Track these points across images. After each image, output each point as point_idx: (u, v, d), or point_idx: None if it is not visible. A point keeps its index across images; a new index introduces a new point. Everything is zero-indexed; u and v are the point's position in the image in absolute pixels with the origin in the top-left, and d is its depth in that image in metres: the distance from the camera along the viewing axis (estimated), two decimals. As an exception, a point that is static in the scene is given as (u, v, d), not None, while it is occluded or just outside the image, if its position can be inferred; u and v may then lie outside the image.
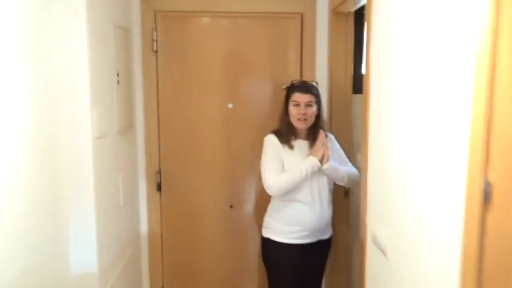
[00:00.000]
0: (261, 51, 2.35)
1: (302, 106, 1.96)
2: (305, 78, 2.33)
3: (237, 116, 2.39)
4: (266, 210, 2.12)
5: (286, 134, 2.02)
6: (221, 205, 2.44)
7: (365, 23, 1.59)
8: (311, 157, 1.94)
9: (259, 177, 2.41)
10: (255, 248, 2.45)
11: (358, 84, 2.25)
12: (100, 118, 1.69)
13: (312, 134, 2.02)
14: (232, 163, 2.42)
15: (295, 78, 2.34)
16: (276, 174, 1.95)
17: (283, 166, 1.98)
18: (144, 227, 2.42)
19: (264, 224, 2.11)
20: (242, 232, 2.47)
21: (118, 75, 1.96)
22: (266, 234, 2.08)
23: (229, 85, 2.37)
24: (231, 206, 2.45)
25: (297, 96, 1.97)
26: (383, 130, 1.42)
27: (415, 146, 1.14)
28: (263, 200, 2.43)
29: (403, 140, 1.23)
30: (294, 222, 2.00)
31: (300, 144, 2.02)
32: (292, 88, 2.02)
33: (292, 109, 1.99)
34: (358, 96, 2.26)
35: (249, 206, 2.46)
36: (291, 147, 2.00)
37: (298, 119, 1.98)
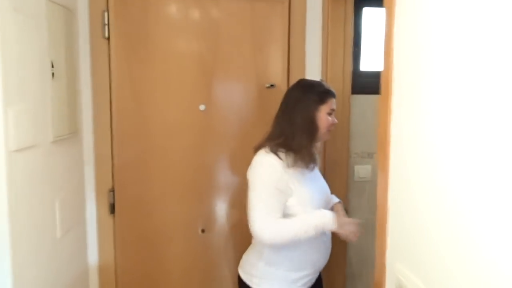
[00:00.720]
0: (240, 43, 1.92)
1: (333, 114, 1.57)
2: (293, 76, 1.93)
3: (211, 120, 1.95)
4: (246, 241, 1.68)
5: (309, 154, 1.49)
6: (191, 229, 1.99)
7: (385, 7, 1.20)
8: (330, 216, 1.45)
9: (237, 195, 1.99)
10: (234, 283, 2.01)
11: (358, 83, 1.86)
12: (21, 124, 1.21)
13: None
14: (204, 177, 1.98)
15: (280, 75, 1.93)
16: (274, 220, 1.43)
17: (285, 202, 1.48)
18: (93, 259, 1.93)
19: (250, 270, 1.56)
20: (216, 263, 2.03)
21: (52, 66, 1.48)
22: (256, 284, 1.53)
23: (201, 83, 1.93)
24: (202, 231, 2.00)
25: (333, 103, 1.55)
26: (414, 141, 1.02)
27: (469, 164, 0.74)
28: (244, 223, 2.01)
29: (447, 156, 0.83)
30: (302, 266, 1.52)
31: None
32: (325, 93, 1.54)
33: (326, 119, 1.53)
34: (358, 97, 1.88)
35: (225, 230, 2.02)
36: (311, 169, 1.51)
37: (329, 131, 1.57)
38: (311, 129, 1.50)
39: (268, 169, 1.45)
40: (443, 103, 0.85)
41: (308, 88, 1.55)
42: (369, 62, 2.05)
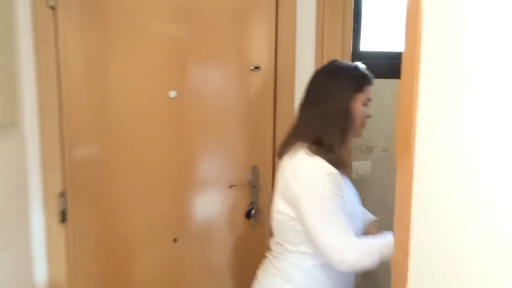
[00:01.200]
0: (218, 16, 1.60)
1: (368, 105, 1.31)
2: (282, 58, 1.62)
3: (184, 108, 1.62)
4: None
5: (343, 154, 1.25)
6: (161, 238, 1.68)
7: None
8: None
9: (217, 197, 1.68)
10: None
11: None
12: None
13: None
14: (176, 177, 1.66)
15: (266, 55, 1.62)
16: (353, 242, 1.17)
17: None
18: (41, 278, 1.60)
19: None
20: (191, 279, 1.72)
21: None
22: None
23: (173, 65, 1.60)
24: (174, 240, 1.69)
25: (369, 91, 1.28)
26: (453, 139, 0.74)
27: None
28: (224, 230, 1.70)
29: (497, 158, 0.55)
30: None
31: None
32: (363, 79, 1.27)
33: (362, 111, 1.27)
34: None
35: (201, 240, 1.71)
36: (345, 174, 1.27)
37: (363, 125, 1.31)
38: (346, 123, 1.22)
39: (323, 179, 1.15)
40: (493, 93, 0.56)
41: (342, 72, 1.27)
42: (370, 40, 1.75)
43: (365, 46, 1.74)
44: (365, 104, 1.27)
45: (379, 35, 1.77)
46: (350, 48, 1.58)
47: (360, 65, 1.31)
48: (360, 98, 1.25)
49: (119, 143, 1.60)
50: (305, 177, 1.18)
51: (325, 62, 1.54)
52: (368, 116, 1.29)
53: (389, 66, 1.63)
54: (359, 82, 1.25)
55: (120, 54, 1.56)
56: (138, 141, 1.61)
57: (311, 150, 1.18)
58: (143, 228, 1.65)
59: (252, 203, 1.68)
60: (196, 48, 1.60)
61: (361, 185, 1.80)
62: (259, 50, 1.62)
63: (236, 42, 1.62)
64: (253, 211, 1.68)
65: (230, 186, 1.66)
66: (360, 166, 1.81)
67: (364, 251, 1.16)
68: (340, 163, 1.19)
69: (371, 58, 1.68)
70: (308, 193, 1.16)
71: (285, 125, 1.62)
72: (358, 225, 1.27)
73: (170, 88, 1.60)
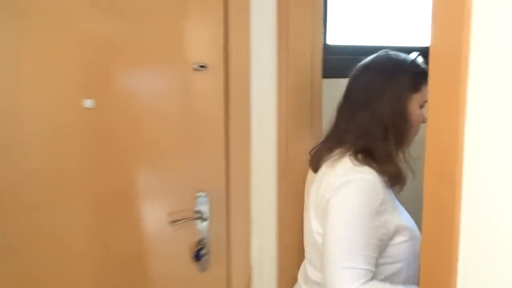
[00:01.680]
0: (154, 6, 1.20)
1: (425, 107, 1.08)
2: (234, 52, 1.26)
3: (105, 123, 1.20)
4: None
5: (398, 165, 1.03)
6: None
7: None
8: None
9: (153, 238, 1.28)
10: None
11: (331, 63, 1.25)
12: None
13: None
14: (93, 217, 1.23)
15: (214, 51, 1.26)
16: (366, 280, 0.93)
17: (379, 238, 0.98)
18: None
19: None
20: None
21: None
22: None
23: (88, 65, 1.17)
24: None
25: (426, 91, 1.00)
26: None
27: None
28: (166, 280, 1.31)
29: None
30: None
31: None
32: (421, 76, 1.04)
33: (420, 114, 1.06)
34: (330, 82, 1.28)
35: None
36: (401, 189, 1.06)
37: (417, 131, 1.09)
38: (401, 129, 1.01)
39: (368, 193, 0.94)
40: None
41: (398, 66, 1.05)
42: (337, 33, 1.46)
43: (332, 39, 1.44)
44: (421, 107, 1.05)
45: (346, 27, 1.48)
46: (321, 41, 1.26)
47: (419, 58, 1.07)
48: (416, 99, 1.03)
49: (17, 173, 1.14)
50: (347, 188, 0.95)
51: (291, 59, 1.22)
52: (424, 121, 1.05)
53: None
54: (417, 80, 1.01)
55: (18, 50, 1.10)
56: (41, 170, 1.16)
57: (359, 160, 0.97)
58: (56, 280, 1.20)
59: (201, 241, 1.31)
60: (121, 44, 1.19)
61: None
62: (205, 44, 1.26)
63: (175, 34, 1.23)
64: (203, 251, 1.31)
65: (172, 222, 1.27)
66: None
67: None
68: (396, 177, 0.99)
69: (341, 54, 1.38)
70: (342, 206, 0.95)
71: (240, 138, 1.27)
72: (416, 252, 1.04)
73: (85, 95, 1.17)
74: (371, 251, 0.94)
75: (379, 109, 1.00)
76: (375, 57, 1.09)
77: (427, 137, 0.65)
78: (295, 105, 1.24)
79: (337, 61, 1.08)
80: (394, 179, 0.99)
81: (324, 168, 1.04)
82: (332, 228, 0.95)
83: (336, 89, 1.13)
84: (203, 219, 1.29)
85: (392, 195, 1.03)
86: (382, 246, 0.97)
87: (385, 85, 1.01)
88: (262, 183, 1.35)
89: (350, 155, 1.00)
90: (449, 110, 0.59)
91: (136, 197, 1.24)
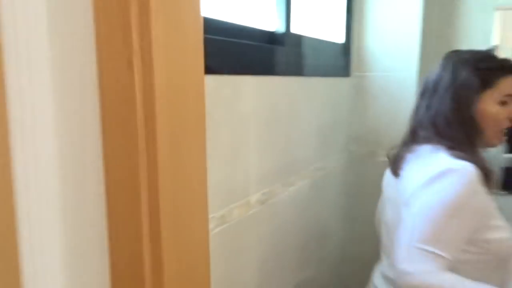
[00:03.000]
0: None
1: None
2: None
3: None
4: None
5: (483, 159, 0.97)
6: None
7: None
8: None
9: None
10: None
11: (215, 56, 0.91)
12: None
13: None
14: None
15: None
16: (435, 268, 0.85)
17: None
18: None
19: None
20: None
21: None
22: None
23: None
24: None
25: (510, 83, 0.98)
26: None
27: None
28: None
29: None
30: None
31: None
32: (489, 71, 0.98)
33: (500, 111, 0.98)
34: (217, 79, 1.08)
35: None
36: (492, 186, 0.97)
37: (501, 131, 1.00)
38: (469, 130, 0.96)
39: (466, 186, 0.88)
40: None
41: (460, 63, 0.99)
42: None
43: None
44: (503, 103, 0.96)
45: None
46: (198, 14, 1.02)
47: (492, 51, 1.03)
48: (490, 96, 0.95)
49: None
50: (444, 178, 0.89)
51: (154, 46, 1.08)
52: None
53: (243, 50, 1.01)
54: (486, 76, 0.95)
55: None
56: None
57: (456, 155, 0.92)
58: None
59: None
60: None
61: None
62: None
63: None
64: None
65: None
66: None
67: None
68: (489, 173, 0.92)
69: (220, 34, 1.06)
70: (433, 197, 0.89)
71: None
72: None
73: None
74: (452, 240, 0.88)
75: (436, 108, 0.99)
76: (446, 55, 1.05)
77: None
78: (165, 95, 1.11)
79: (217, 46, 0.91)
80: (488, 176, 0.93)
81: (412, 161, 1.00)
82: (421, 209, 0.89)
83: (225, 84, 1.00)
84: None
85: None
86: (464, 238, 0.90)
87: (442, 83, 0.99)
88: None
89: (445, 149, 0.95)
90: None
91: None
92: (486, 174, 0.91)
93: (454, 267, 0.86)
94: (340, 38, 1.58)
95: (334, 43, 1.54)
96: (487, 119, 0.96)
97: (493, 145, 1.01)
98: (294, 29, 1.21)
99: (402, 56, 1.60)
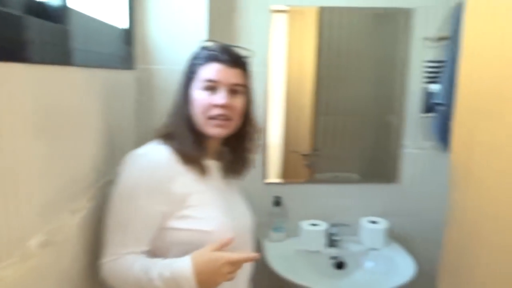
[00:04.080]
0: None
1: (223, 91, 1.00)
2: None
3: None
4: None
5: (191, 144, 1.00)
6: None
7: None
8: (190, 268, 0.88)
9: None
10: None
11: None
12: None
13: (231, 150, 1.10)
14: None
15: None
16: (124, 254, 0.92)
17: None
18: None
19: None
20: None
21: None
22: None
23: None
24: None
25: (214, 70, 1.00)
26: None
27: None
28: None
29: None
30: None
31: (210, 169, 1.06)
32: (202, 54, 1.04)
33: (201, 96, 1.01)
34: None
35: None
36: (201, 171, 1.01)
37: (211, 118, 1.00)
38: (184, 112, 1.02)
39: (146, 170, 0.95)
40: None
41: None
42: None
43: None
44: (209, 90, 1.01)
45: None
46: None
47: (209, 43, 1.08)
48: (195, 84, 1.02)
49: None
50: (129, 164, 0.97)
51: None
52: (216, 107, 1.00)
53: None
54: (193, 65, 1.05)
55: None
56: None
57: (163, 137, 1.01)
58: None
59: None
60: None
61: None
62: None
63: None
64: None
65: None
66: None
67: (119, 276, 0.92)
68: (188, 154, 0.99)
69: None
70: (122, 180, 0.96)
71: None
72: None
73: None
74: (138, 230, 0.94)
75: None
76: None
77: None
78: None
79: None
80: (191, 154, 1.01)
81: None
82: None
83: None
84: None
85: (199, 172, 1.02)
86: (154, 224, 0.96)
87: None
88: None
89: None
90: None
91: None
92: (191, 160, 0.98)
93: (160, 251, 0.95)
94: (123, 23, 1.33)
95: (116, 28, 1.27)
96: (195, 106, 1.01)
97: (208, 133, 1.02)
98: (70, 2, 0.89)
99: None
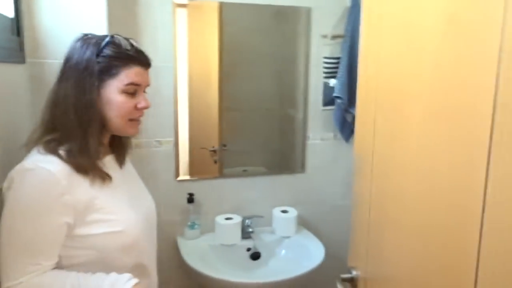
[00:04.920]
0: None
1: (142, 93, 1.00)
2: None
3: None
4: None
5: (88, 152, 0.92)
6: None
7: None
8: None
9: None
10: None
11: None
12: None
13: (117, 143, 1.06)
14: None
15: None
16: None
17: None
18: None
19: None
20: None
21: None
22: None
23: None
24: None
25: (137, 74, 0.97)
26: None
27: None
28: None
29: None
30: None
31: (108, 165, 1.01)
32: (121, 55, 0.95)
33: (123, 101, 0.96)
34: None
35: None
36: (101, 179, 0.95)
37: (132, 120, 0.99)
38: (93, 118, 0.93)
39: (39, 186, 0.86)
40: None
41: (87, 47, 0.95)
42: None
43: None
44: (129, 93, 0.96)
45: None
46: None
47: (120, 40, 0.97)
48: (112, 84, 0.94)
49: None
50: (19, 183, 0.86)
51: None
52: (138, 110, 0.99)
53: None
54: (107, 64, 0.94)
55: None
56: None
57: (53, 152, 0.90)
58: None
59: None
60: None
61: None
62: None
63: None
64: None
65: None
66: None
67: None
68: (91, 165, 0.93)
69: None
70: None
71: None
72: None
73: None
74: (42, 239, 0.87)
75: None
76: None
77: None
78: None
79: None
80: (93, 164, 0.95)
81: None
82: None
83: None
84: None
85: (103, 180, 0.96)
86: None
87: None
88: None
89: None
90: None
91: None
92: (87, 171, 0.92)
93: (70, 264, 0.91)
94: (9, 11, 1.18)
95: (2, 16, 1.12)
96: (112, 108, 0.95)
97: (128, 134, 1.02)
98: None
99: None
